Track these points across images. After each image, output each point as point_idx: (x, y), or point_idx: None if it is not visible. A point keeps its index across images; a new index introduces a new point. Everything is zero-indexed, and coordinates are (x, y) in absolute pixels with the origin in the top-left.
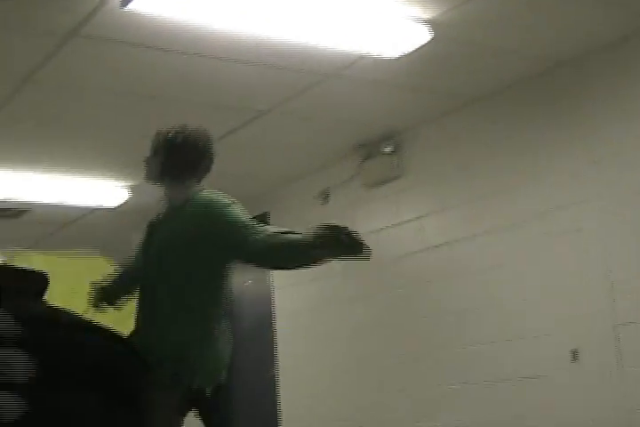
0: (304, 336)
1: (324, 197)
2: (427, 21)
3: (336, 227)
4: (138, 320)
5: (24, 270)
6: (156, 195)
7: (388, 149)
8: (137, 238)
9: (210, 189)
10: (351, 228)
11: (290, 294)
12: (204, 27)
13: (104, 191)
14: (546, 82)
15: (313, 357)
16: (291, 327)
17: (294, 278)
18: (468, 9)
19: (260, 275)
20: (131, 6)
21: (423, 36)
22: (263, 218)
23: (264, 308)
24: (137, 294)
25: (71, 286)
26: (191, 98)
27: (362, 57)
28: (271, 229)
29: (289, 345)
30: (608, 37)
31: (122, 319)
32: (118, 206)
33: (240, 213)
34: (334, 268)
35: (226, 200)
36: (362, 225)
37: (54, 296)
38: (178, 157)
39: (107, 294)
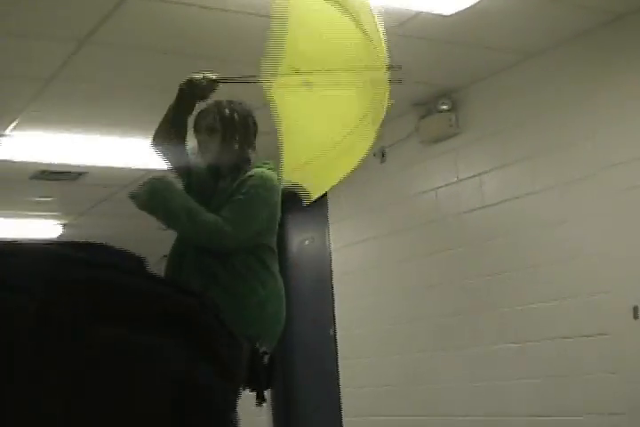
0: (363, 295)
1: (382, 155)
2: None
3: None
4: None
5: None
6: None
7: (444, 107)
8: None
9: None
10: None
11: (349, 253)
12: None
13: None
14: (605, 35)
15: (373, 315)
16: (350, 286)
17: (353, 238)
18: None
19: (319, 233)
20: None
21: None
22: None
23: (323, 267)
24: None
25: None
26: (230, 56)
27: (417, 14)
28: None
29: (348, 303)
30: None
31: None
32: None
33: (262, 205)
34: (395, 225)
35: (271, 184)
36: (420, 183)
37: None
38: (240, 132)
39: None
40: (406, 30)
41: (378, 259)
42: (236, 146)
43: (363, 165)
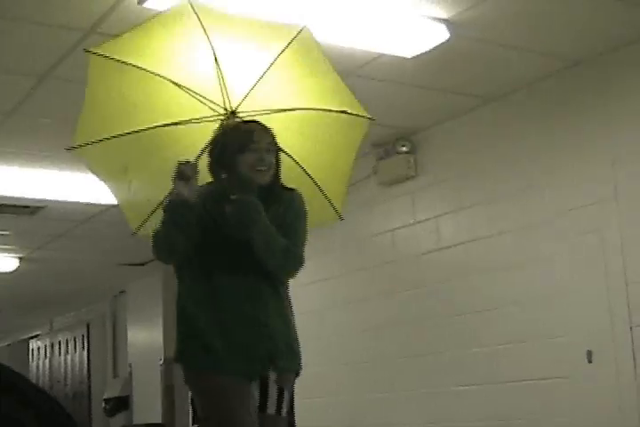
0: (320, 334)
1: None
2: (444, 20)
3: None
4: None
5: None
6: None
7: (404, 149)
8: None
9: None
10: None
11: (306, 293)
12: None
13: None
14: (563, 81)
15: (329, 355)
16: (306, 326)
17: (310, 277)
18: (485, 8)
19: None
20: (147, 4)
21: (440, 35)
22: None
23: None
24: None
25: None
26: None
27: (379, 56)
28: None
29: (303, 343)
30: (627, 37)
31: None
32: None
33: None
34: (352, 265)
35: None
36: (378, 224)
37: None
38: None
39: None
40: (368, 72)
41: (334, 299)
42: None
43: None
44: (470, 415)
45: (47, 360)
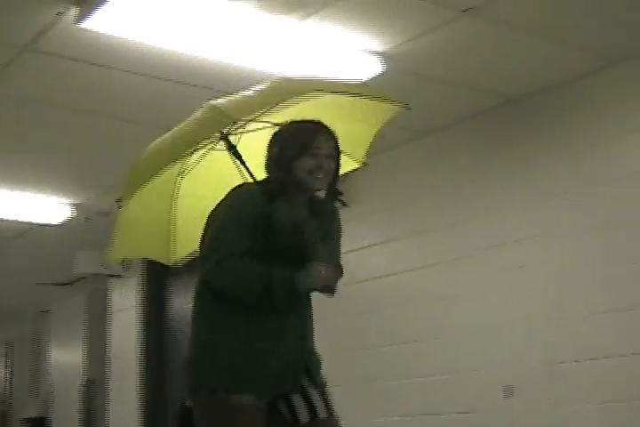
0: None
1: None
2: (379, 53)
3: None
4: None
5: None
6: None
7: None
8: (82, 257)
9: None
10: None
11: None
12: (156, 48)
13: (48, 208)
14: (497, 117)
15: None
16: None
17: None
18: (420, 43)
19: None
20: (84, 24)
21: (375, 67)
22: None
23: None
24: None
25: None
26: (138, 118)
27: None
28: None
29: None
30: (562, 76)
31: None
32: (62, 223)
33: None
34: None
35: None
36: None
37: None
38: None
39: None
40: None
41: None
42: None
43: None
44: None
45: None
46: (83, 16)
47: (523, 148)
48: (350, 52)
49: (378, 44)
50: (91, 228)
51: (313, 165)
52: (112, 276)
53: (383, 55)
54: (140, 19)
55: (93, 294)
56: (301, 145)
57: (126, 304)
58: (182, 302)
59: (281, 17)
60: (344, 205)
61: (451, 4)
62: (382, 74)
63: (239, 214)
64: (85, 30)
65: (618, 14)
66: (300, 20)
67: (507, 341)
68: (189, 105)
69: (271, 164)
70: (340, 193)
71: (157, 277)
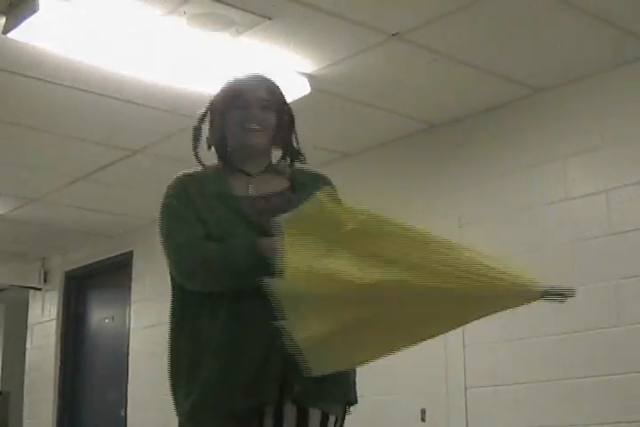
0: (157, 377)
1: None
2: (306, 75)
3: None
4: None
5: None
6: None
7: None
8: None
9: None
10: None
11: (148, 335)
12: (83, 63)
13: None
14: (417, 142)
15: (163, 399)
16: (145, 367)
17: (153, 319)
18: (348, 65)
19: (120, 312)
20: (11, 35)
21: (302, 88)
22: (128, 256)
23: (120, 346)
24: None
25: None
26: (68, 131)
27: None
28: None
29: (141, 385)
30: (482, 104)
31: None
32: None
33: None
34: None
35: None
36: None
37: None
38: None
39: None
40: None
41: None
42: None
43: None
44: None
45: None
46: (10, 26)
47: (443, 174)
48: (279, 72)
49: (306, 65)
50: (10, 238)
51: (241, 116)
52: (31, 288)
53: (310, 76)
54: (68, 32)
55: (12, 306)
56: (225, 97)
57: (45, 317)
58: (101, 316)
59: (213, 33)
60: (303, 163)
61: (381, 29)
62: (309, 95)
63: (174, 211)
64: (12, 40)
65: (541, 43)
66: (232, 36)
67: (422, 366)
68: (111, 117)
69: (208, 140)
70: (299, 152)
71: (77, 290)
